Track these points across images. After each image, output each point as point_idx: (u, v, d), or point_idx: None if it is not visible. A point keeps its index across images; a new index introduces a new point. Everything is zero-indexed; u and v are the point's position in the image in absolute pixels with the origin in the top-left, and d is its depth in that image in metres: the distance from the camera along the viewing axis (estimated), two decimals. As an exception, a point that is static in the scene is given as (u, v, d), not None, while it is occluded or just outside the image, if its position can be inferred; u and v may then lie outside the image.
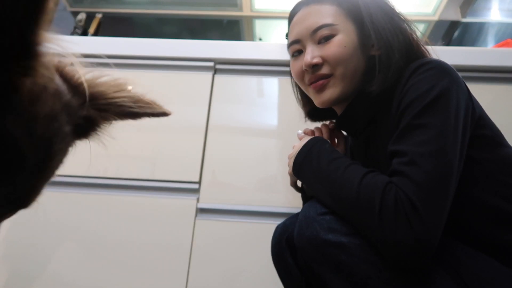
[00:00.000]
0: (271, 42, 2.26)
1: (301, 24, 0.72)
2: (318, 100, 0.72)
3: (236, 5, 2.15)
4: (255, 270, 0.99)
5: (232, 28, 2.28)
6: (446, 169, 0.52)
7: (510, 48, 1.26)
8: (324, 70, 0.69)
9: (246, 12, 2.17)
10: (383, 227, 0.50)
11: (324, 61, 0.69)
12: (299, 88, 0.83)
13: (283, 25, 2.23)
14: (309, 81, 0.72)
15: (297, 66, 0.74)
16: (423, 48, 0.71)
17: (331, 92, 0.69)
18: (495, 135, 0.61)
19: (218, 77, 1.19)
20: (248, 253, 1.00)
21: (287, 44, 0.77)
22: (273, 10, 2.14)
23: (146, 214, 1.05)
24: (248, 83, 1.19)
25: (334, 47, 0.68)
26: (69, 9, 2.25)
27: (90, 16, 2.18)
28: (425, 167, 0.51)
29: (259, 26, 2.25)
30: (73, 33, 2.06)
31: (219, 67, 1.20)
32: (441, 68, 0.60)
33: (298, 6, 0.75)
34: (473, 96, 0.63)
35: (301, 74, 0.73)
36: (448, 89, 0.57)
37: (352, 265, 0.52)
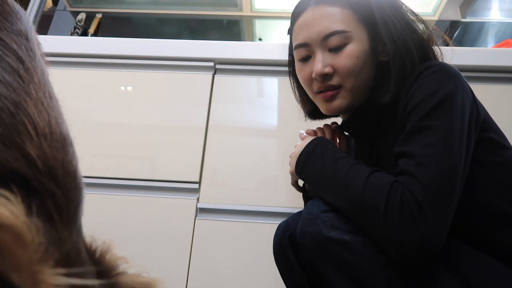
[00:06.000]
0: (271, 42, 2.26)
1: (310, 27, 0.67)
2: (326, 108, 0.70)
3: (236, 5, 2.15)
4: (255, 270, 0.99)
5: (232, 28, 2.28)
6: (452, 171, 0.52)
7: (510, 48, 1.26)
8: (334, 81, 0.67)
9: (246, 12, 2.17)
10: (388, 227, 0.50)
11: (335, 71, 0.66)
12: (300, 87, 0.81)
13: (283, 25, 2.24)
14: (318, 90, 0.69)
15: (305, 72, 0.70)
16: (435, 49, 0.69)
17: (340, 103, 0.68)
18: (500, 137, 0.61)
19: (218, 77, 1.19)
20: (248, 253, 1.00)
21: (293, 45, 0.72)
22: (273, 10, 2.14)
23: (146, 214, 1.05)
24: (248, 83, 1.20)
25: (346, 58, 0.65)
26: (69, 9, 2.25)
27: (90, 16, 2.18)
28: (431, 169, 0.51)
29: (259, 26, 2.25)
30: (73, 33, 2.06)
31: (219, 67, 1.20)
32: (446, 71, 0.59)
33: (305, 3, 0.70)
34: (477, 99, 0.63)
35: (310, 81, 0.70)
36: (453, 92, 0.57)
37: (355, 263, 0.52)
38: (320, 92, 0.69)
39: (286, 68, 1.18)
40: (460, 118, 0.55)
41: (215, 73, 1.20)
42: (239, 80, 1.19)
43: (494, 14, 2.05)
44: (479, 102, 0.63)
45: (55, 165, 0.29)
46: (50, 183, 0.27)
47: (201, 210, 1.05)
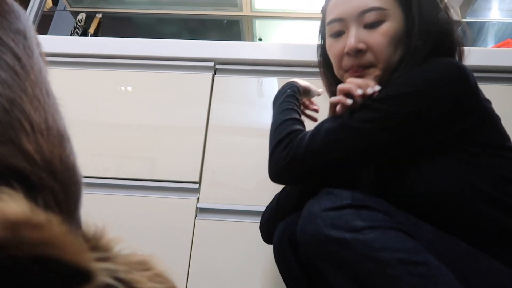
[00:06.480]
0: (271, 42, 2.26)
1: (347, 2, 0.67)
2: None
3: (236, 5, 2.15)
4: (255, 269, 0.99)
5: (232, 28, 2.28)
6: (353, 144, 0.58)
7: (510, 48, 1.26)
8: (367, 58, 0.66)
9: (246, 12, 2.17)
10: (273, 153, 0.68)
11: (369, 48, 0.65)
12: (326, 66, 0.80)
13: (283, 25, 2.24)
14: (348, 67, 0.68)
15: (337, 47, 0.69)
16: (456, 42, 0.68)
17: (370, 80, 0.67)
18: (506, 139, 0.62)
19: (218, 77, 1.19)
20: (248, 252, 1.00)
21: (326, 21, 0.71)
22: (273, 10, 2.14)
23: (146, 214, 1.05)
24: (248, 83, 1.19)
25: (381, 36, 0.64)
26: (69, 9, 2.25)
27: (90, 16, 2.18)
28: (334, 128, 0.60)
29: (259, 26, 2.25)
30: (73, 33, 2.06)
31: (219, 67, 1.20)
32: (445, 71, 0.59)
33: None
34: (485, 106, 0.62)
35: (340, 57, 0.69)
36: (427, 92, 0.57)
37: (355, 262, 0.52)
38: (349, 70, 0.68)
39: (286, 68, 1.19)
40: (405, 117, 0.57)
41: (215, 73, 1.20)
42: (239, 80, 1.19)
43: (494, 14, 2.05)
44: (488, 107, 0.63)
45: (53, 160, 0.28)
46: (49, 178, 0.27)
47: (201, 210, 1.05)
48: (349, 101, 0.61)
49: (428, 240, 0.53)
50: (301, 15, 2.11)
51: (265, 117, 1.16)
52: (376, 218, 0.54)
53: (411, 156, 0.60)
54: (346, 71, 0.69)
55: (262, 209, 1.05)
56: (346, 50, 0.66)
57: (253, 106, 1.17)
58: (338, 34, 0.69)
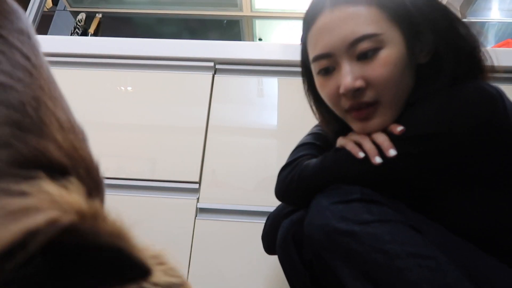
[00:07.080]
0: (271, 42, 2.26)
1: (331, 32, 0.56)
2: (362, 128, 0.59)
3: (236, 5, 2.15)
4: (255, 270, 0.99)
5: (232, 28, 2.29)
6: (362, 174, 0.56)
7: (510, 48, 1.26)
8: (368, 96, 0.56)
9: (246, 12, 2.18)
10: (278, 178, 0.69)
11: (368, 84, 0.55)
12: (319, 103, 0.69)
13: (283, 25, 2.24)
14: (349, 107, 0.58)
15: (330, 88, 0.59)
16: (481, 52, 0.61)
17: (379, 122, 0.58)
18: None
19: (218, 77, 1.19)
20: (248, 253, 1.00)
21: (311, 56, 0.61)
22: (273, 10, 2.14)
23: (146, 214, 1.05)
24: (248, 83, 1.20)
25: (381, 67, 0.54)
26: (69, 9, 2.25)
27: (90, 16, 2.18)
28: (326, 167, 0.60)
29: (259, 26, 2.25)
30: (73, 33, 2.07)
31: (219, 67, 1.20)
32: (469, 103, 0.54)
33: (319, 5, 0.59)
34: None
35: (337, 97, 0.59)
36: (444, 133, 0.53)
37: (363, 254, 0.51)
38: (352, 110, 0.58)
39: (286, 68, 1.19)
40: (429, 157, 0.53)
41: (215, 73, 1.20)
42: (239, 80, 1.19)
43: (494, 14, 2.05)
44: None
45: (86, 157, 0.29)
46: (86, 174, 0.27)
47: (201, 210, 1.05)
48: (361, 155, 0.55)
49: (436, 237, 0.53)
50: (301, 15, 2.10)
51: (265, 117, 1.16)
52: (385, 213, 0.53)
53: (439, 191, 0.58)
54: (347, 111, 0.60)
55: (262, 209, 1.05)
56: (341, 91, 0.56)
57: (253, 106, 1.17)
58: (327, 71, 0.59)
